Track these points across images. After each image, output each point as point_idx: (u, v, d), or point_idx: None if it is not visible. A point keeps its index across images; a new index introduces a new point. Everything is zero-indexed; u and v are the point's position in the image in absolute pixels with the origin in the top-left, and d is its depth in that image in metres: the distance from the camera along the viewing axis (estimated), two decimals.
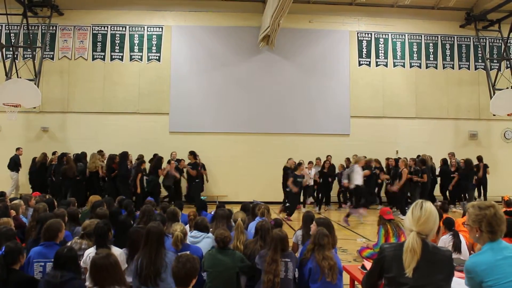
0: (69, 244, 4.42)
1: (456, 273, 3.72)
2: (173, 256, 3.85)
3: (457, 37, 16.34)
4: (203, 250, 4.77)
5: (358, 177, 11.26)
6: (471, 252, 5.91)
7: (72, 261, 3.59)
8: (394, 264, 2.69)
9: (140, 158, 12.76)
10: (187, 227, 5.52)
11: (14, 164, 13.33)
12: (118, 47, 15.39)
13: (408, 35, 16.17)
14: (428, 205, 2.74)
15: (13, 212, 6.16)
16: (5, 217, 5.36)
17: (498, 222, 2.66)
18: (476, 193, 13.80)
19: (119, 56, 15.39)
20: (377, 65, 16.04)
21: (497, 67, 15.41)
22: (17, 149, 13.61)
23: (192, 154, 13.04)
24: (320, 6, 15.77)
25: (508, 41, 14.92)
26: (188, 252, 4.04)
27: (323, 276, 4.15)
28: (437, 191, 13.83)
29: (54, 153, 13.48)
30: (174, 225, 4.77)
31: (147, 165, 12.95)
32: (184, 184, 13.79)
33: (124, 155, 12.26)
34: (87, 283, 3.64)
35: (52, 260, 3.73)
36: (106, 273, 3.12)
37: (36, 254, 4.16)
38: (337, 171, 13.86)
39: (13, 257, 3.69)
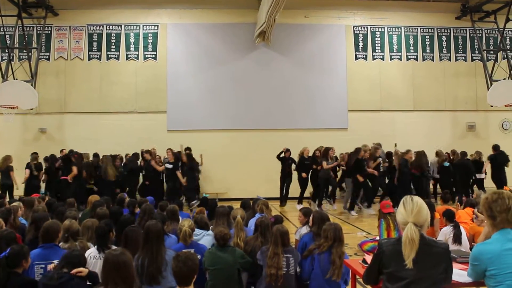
0: None
1: (457, 264, 3.73)
2: (173, 254, 3.86)
3: (453, 29, 16.31)
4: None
5: None
6: (472, 243, 5.92)
7: (80, 264, 3.59)
8: (393, 259, 2.71)
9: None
10: None
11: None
12: (114, 46, 15.33)
13: (404, 28, 16.14)
14: (417, 198, 2.83)
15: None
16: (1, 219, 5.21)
17: (498, 208, 2.70)
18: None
19: (115, 55, 15.34)
20: (373, 59, 16.01)
21: (494, 58, 15.34)
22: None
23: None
24: (315, 0, 15.69)
25: (504, 32, 14.91)
26: (192, 250, 4.06)
27: (330, 275, 4.15)
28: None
29: (61, 151, 13.45)
30: (182, 221, 4.81)
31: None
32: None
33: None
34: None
35: (53, 262, 3.74)
36: (116, 271, 2.91)
37: (36, 257, 4.08)
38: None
39: (16, 260, 3.65)
